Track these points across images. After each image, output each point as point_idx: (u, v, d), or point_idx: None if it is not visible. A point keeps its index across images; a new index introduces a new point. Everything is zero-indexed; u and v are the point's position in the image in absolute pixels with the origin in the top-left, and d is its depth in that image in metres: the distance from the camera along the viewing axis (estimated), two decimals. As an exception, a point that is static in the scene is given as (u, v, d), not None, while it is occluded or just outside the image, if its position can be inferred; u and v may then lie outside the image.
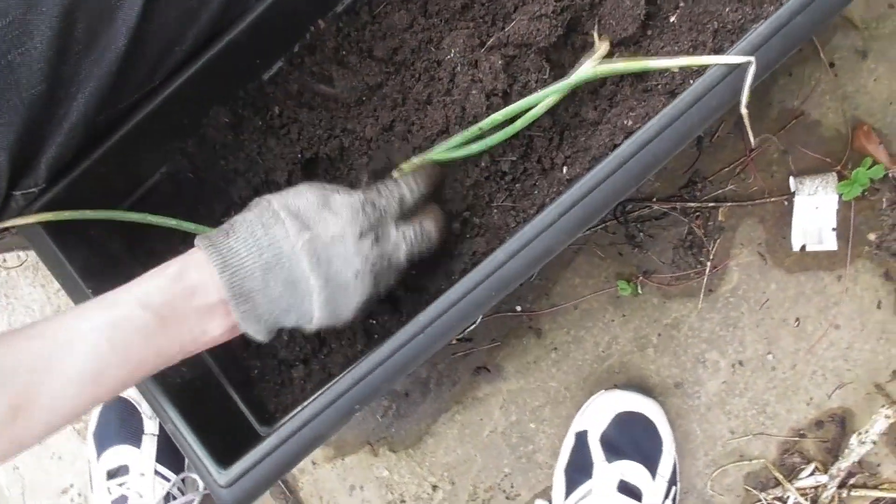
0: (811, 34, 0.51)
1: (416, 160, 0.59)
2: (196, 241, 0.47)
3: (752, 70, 0.49)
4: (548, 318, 0.78)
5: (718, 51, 0.59)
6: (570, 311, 0.78)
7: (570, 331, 0.78)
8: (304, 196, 0.48)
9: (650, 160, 0.50)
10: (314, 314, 0.48)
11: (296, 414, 0.57)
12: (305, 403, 0.62)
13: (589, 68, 0.57)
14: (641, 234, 0.76)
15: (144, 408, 0.81)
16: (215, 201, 0.66)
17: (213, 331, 0.46)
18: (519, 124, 0.58)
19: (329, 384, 0.61)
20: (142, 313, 0.43)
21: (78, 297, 0.60)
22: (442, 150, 0.59)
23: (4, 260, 0.90)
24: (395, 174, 0.59)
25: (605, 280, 0.77)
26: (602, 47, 0.59)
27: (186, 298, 0.44)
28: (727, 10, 0.59)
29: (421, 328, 0.52)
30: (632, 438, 0.70)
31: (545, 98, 0.58)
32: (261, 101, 0.65)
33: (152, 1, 0.46)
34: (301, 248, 0.46)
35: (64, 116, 0.47)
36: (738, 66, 0.50)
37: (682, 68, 0.59)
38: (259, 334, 0.48)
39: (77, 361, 0.41)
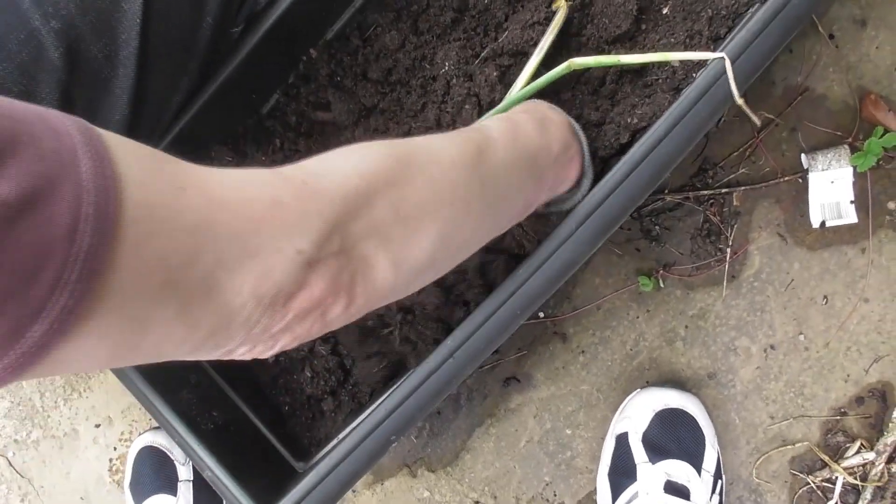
0: (810, 15, 0.50)
1: None
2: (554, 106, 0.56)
3: (728, 65, 0.48)
4: (571, 321, 0.77)
5: (716, 38, 0.58)
6: (594, 313, 0.77)
7: (595, 332, 0.77)
8: None
9: (665, 160, 0.50)
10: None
11: (333, 449, 0.56)
12: (341, 436, 0.61)
13: (562, 65, 0.55)
14: (657, 227, 0.75)
15: (177, 454, 0.81)
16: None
17: (571, 174, 0.53)
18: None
19: (362, 415, 0.61)
20: (520, 115, 0.50)
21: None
22: None
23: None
24: None
25: (625, 277, 0.76)
26: (561, 9, 0.58)
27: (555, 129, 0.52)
28: (721, -5, 0.58)
29: (450, 353, 0.51)
30: (674, 436, 0.69)
31: (518, 94, 0.57)
32: (262, 136, 0.65)
33: (144, 61, 0.46)
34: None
35: None
36: (743, 52, 0.49)
37: (682, 62, 0.58)
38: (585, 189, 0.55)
39: (499, 131, 0.46)
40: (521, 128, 0.48)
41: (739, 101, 0.49)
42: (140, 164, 0.27)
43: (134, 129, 0.48)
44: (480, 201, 0.42)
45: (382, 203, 0.35)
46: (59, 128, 0.24)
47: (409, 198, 0.36)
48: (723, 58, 0.49)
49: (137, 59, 0.45)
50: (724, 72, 0.49)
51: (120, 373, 0.60)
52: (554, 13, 0.58)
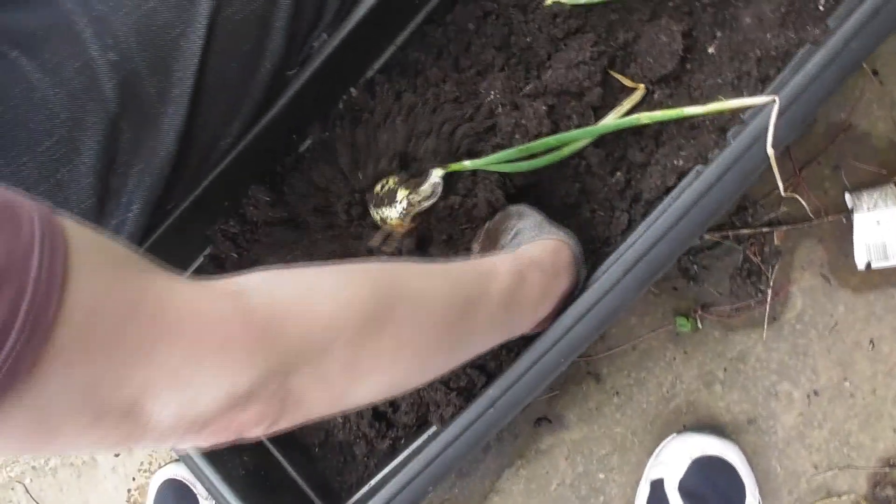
0: (867, 55, 0.49)
1: (467, 164, 0.57)
2: (548, 236, 0.54)
3: (775, 109, 0.47)
4: (606, 361, 0.75)
5: (764, 79, 0.57)
6: (629, 353, 0.75)
7: (630, 373, 0.75)
8: None
9: (715, 207, 0.48)
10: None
11: (366, 497, 0.55)
12: (373, 483, 0.60)
13: (632, 116, 0.56)
14: (695, 266, 0.74)
15: (200, 488, 0.80)
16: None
17: (559, 288, 0.52)
18: (566, 151, 0.56)
19: (395, 460, 0.59)
20: (535, 268, 0.48)
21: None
22: (493, 159, 0.57)
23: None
24: (438, 172, 0.57)
25: (661, 317, 0.74)
26: (638, 91, 0.58)
27: (549, 255, 0.52)
28: (768, 36, 0.57)
29: (491, 402, 0.50)
30: (712, 485, 0.66)
31: (592, 134, 0.56)
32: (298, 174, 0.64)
33: (197, 101, 0.45)
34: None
35: (119, 228, 0.46)
36: (798, 97, 0.47)
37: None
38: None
39: (500, 286, 0.44)
40: (523, 289, 0.47)
41: (770, 151, 0.48)
42: (98, 268, 0.26)
43: (179, 167, 0.47)
44: (446, 352, 0.41)
45: (339, 355, 0.33)
46: (21, 216, 0.24)
47: (369, 354, 0.34)
48: (775, 101, 0.47)
49: (190, 99, 0.45)
50: (778, 115, 0.47)
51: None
52: (602, 53, 0.57)
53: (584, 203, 0.59)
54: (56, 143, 0.41)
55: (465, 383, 0.57)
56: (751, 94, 0.56)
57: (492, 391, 0.50)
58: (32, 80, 0.41)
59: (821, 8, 0.53)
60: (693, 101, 0.57)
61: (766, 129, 0.48)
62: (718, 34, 0.58)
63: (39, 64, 0.41)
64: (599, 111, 0.59)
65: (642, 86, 0.56)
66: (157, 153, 0.45)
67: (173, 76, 0.44)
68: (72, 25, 0.41)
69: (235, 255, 0.64)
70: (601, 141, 0.59)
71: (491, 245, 0.57)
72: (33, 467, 0.94)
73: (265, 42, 0.47)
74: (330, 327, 0.33)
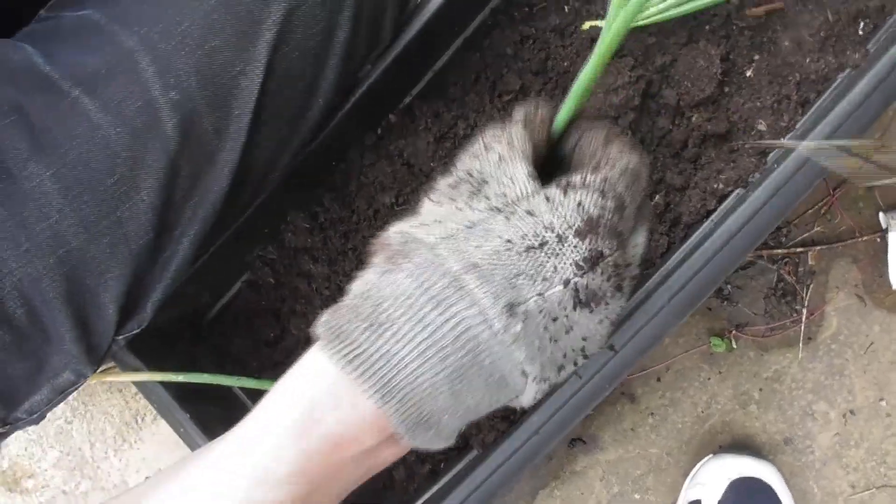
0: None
1: None
2: (321, 347, 0.30)
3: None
4: (640, 381, 0.75)
5: (804, 103, 0.57)
6: (663, 373, 0.75)
7: (665, 393, 0.75)
8: (489, 234, 0.30)
9: (761, 230, 0.48)
10: (523, 404, 0.33)
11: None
12: (414, 509, 0.60)
13: None
14: (729, 286, 0.73)
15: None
16: (297, 303, 0.65)
17: (381, 465, 0.33)
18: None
19: (436, 486, 0.59)
20: (272, 494, 0.29)
21: (172, 420, 0.59)
22: None
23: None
24: None
25: (696, 337, 0.74)
26: None
27: (330, 453, 0.29)
28: (807, 60, 0.57)
29: (536, 428, 0.50)
30: (751, 507, 0.66)
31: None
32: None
33: (252, 137, 0.46)
34: (513, 336, 0.29)
35: (169, 260, 0.46)
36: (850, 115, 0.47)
37: (769, 126, 0.57)
38: (441, 446, 0.34)
39: None
40: None
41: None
42: None
43: (231, 203, 0.47)
44: None
45: None
46: None
47: None
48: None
49: (246, 135, 0.45)
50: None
51: (180, 429, 0.59)
52: (640, 77, 0.57)
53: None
54: (117, 181, 0.42)
55: (506, 408, 0.57)
56: (790, 118, 0.56)
57: (536, 417, 0.50)
58: (94, 119, 0.41)
59: (860, 32, 0.53)
60: (732, 125, 0.57)
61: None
62: (756, 57, 0.58)
63: (102, 103, 0.41)
64: (636, 136, 0.59)
65: None
66: (212, 188, 0.45)
67: (231, 114, 0.44)
68: (134, 64, 0.42)
69: (272, 282, 0.64)
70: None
71: None
72: (64, 491, 0.94)
73: (319, 80, 0.48)
74: None
